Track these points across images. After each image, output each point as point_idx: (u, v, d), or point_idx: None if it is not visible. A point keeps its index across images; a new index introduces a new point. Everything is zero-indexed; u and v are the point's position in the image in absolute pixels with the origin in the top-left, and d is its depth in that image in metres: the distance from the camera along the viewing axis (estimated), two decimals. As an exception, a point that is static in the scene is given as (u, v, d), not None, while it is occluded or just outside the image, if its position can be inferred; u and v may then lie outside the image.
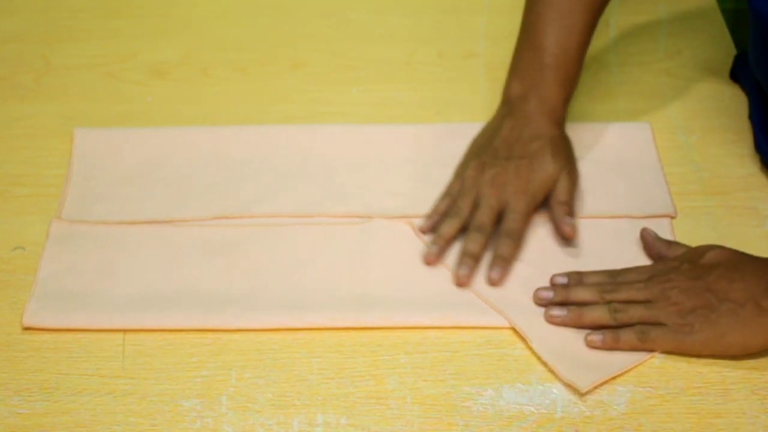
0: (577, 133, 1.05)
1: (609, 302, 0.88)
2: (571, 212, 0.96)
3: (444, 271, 0.94)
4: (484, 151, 0.99)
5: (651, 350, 0.86)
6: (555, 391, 0.85)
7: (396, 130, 1.09)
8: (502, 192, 0.95)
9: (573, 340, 0.88)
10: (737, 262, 0.88)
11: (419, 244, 0.96)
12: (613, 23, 1.22)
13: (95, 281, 0.94)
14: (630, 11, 1.22)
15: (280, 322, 0.90)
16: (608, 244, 0.96)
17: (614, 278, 0.90)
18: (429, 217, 0.98)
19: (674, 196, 1.00)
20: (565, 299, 0.90)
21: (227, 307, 0.91)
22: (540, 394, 0.84)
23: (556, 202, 0.97)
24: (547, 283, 0.92)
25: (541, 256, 0.95)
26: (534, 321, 0.89)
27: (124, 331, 0.90)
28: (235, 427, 0.83)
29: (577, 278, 0.91)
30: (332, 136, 1.08)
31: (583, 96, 1.12)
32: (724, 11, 1.23)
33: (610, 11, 1.23)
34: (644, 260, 0.94)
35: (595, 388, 0.85)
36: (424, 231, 0.97)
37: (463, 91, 1.15)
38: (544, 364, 0.86)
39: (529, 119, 1.00)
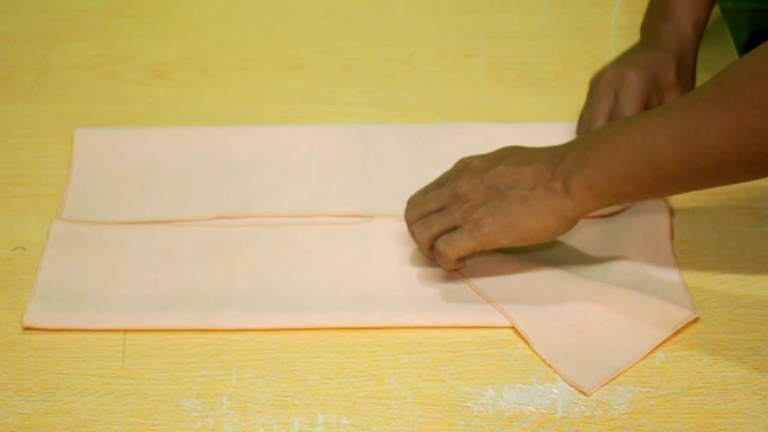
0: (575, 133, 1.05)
1: (415, 222, 0.92)
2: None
3: (444, 271, 0.94)
4: (615, 60, 1.04)
5: (459, 255, 0.89)
6: (555, 391, 0.85)
7: (396, 130, 1.09)
8: None
9: (575, 340, 0.88)
10: (527, 151, 0.89)
11: (419, 244, 0.96)
12: (613, 23, 1.22)
13: (96, 281, 0.94)
14: (630, 11, 1.23)
15: (280, 322, 0.90)
16: (606, 240, 0.96)
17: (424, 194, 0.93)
18: None
19: (674, 196, 1.00)
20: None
21: (227, 307, 0.91)
22: (540, 394, 0.85)
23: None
24: (547, 283, 0.92)
25: (544, 254, 0.95)
26: (535, 321, 0.89)
27: (125, 331, 0.90)
28: (236, 427, 0.83)
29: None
30: (332, 136, 1.08)
31: (583, 96, 1.12)
32: (724, 11, 1.23)
33: (609, 11, 1.24)
34: (643, 256, 0.94)
35: (600, 387, 0.85)
36: None
37: (463, 91, 1.15)
38: (547, 364, 0.86)
39: (656, 36, 1.05)
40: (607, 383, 0.85)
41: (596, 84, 1.03)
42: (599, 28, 1.21)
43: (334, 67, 1.19)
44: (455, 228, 0.89)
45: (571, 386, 0.85)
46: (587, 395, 0.84)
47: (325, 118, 1.12)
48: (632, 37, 1.19)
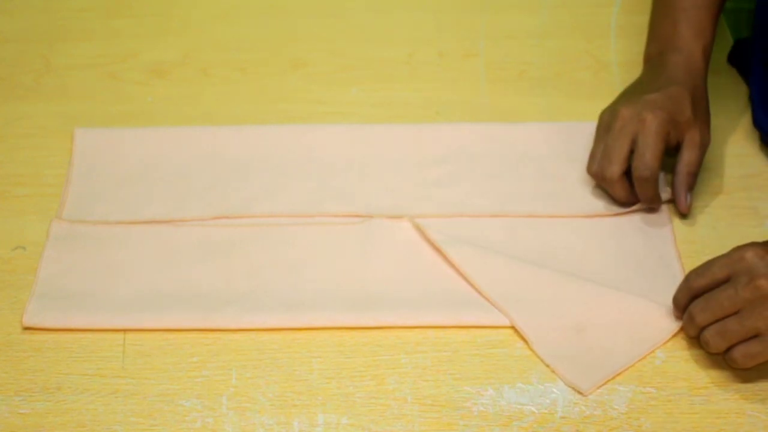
0: (577, 132, 1.05)
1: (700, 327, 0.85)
2: (693, 185, 0.97)
3: (444, 271, 0.94)
4: (626, 97, 1.00)
5: (753, 365, 0.84)
6: (555, 390, 0.85)
7: (396, 130, 1.09)
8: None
9: (574, 340, 0.88)
10: None
11: (419, 243, 0.96)
12: (613, 23, 1.22)
13: (96, 281, 0.94)
14: (630, 11, 1.22)
15: (280, 321, 0.90)
16: (610, 241, 0.96)
17: (702, 299, 0.85)
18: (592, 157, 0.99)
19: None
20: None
21: (227, 307, 0.91)
22: (540, 393, 0.85)
23: (685, 169, 0.97)
24: (548, 283, 0.91)
25: (544, 254, 0.95)
26: (535, 321, 0.89)
27: (125, 331, 0.90)
28: (236, 427, 0.83)
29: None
30: (332, 136, 1.08)
31: (583, 96, 1.12)
32: (724, 11, 1.23)
33: (609, 11, 1.24)
34: (645, 256, 0.94)
35: (597, 388, 0.85)
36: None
37: (463, 91, 1.15)
38: (545, 364, 0.86)
39: (666, 68, 1.00)
40: (605, 384, 0.85)
41: (610, 124, 0.98)
42: (599, 28, 1.21)
43: (334, 67, 1.19)
44: (756, 336, 0.83)
45: (569, 386, 0.85)
46: (584, 396, 0.84)
47: (325, 118, 1.12)
48: (632, 37, 1.19)
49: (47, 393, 0.85)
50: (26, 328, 0.90)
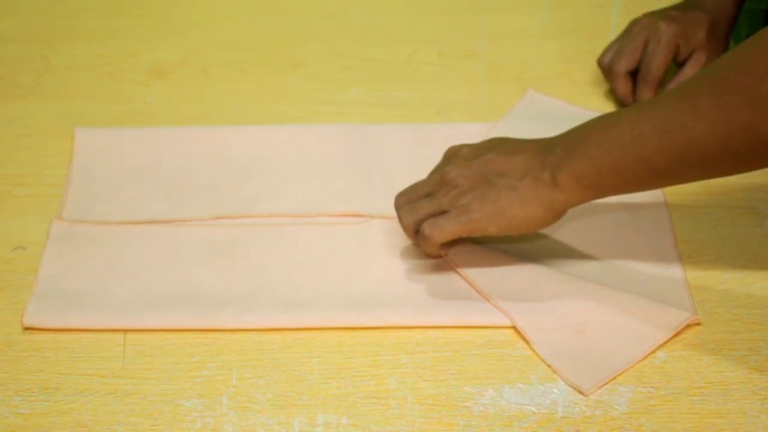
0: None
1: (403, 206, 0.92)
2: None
3: (444, 271, 0.94)
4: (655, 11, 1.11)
5: (445, 239, 0.89)
6: (556, 390, 0.85)
7: (396, 130, 1.09)
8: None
9: (575, 340, 0.88)
10: (517, 142, 0.90)
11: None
12: (613, 23, 1.22)
13: (96, 281, 0.94)
14: (630, 11, 1.22)
15: (280, 322, 0.90)
16: (608, 236, 0.96)
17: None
18: None
19: (675, 196, 1.00)
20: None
21: (227, 307, 0.91)
22: (541, 393, 0.85)
23: (678, 78, 1.08)
24: (548, 283, 0.91)
25: (544, 253, 0.95)
26: (536, 321, 0.89)
27: (125, 331, 0.90)
28: (236, 427, 0.83)
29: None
30: (332, 136, 1.08)
31: (583, 96, 1.12)
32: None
33: (609, 11, 1.24)
34: (645, 251, 0.94)
35: (598, 388, 0.85)
36: None
37: (463, 91, 1.15)
38: (546, 364, 0.86)
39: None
40: (606, 383, 0.85)
41: (630, 28, 1.10)
42: (599, 28, 1.21)
43: (334, 67, 1.19)
44: (442, 213, 0.90)
45: (570, 386, 0.85)
46: (586, 395, 0.84)
47: (325, 118, 1.12)
48: (632, 37, 1.19)
49: (47, 393, 0.85)
50: (26, 328, 0.90)
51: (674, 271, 0.93)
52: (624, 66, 1.08)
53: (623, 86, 1.09)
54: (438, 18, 1.25)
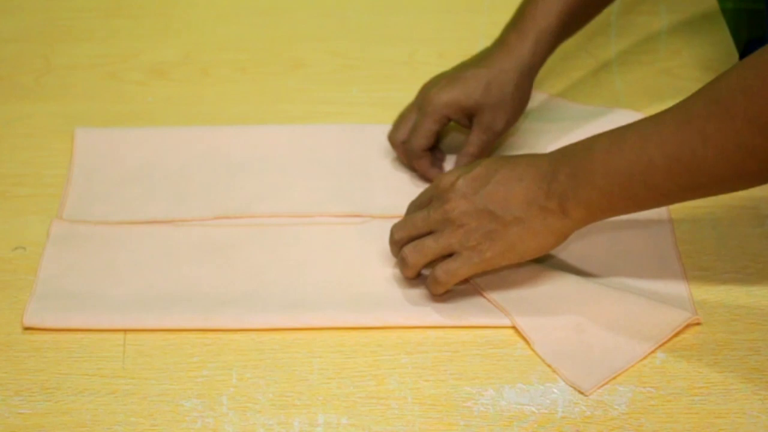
0: (575, 114, 1.05)
1: (402, 247, 0.90)
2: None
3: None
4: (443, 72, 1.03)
5: (456, 282, 0.88)
6: (556, 391, 0.85)
7: (396, 130, 1.09)
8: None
9: (575, 340, 0.88)
10: (512, 166, 0.87)
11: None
12: (613, 23, 1.22)
13: (96, 281, 0.94)
14: (630, 11, 1.22)
15: (280, 322, 0.90)
16: (610, 241, 0.96)
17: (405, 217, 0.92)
18: None
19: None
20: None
21: (227, 307, 0.91)
22: (541, 394, 0.85)
23: (465, 149, 1.01)
24: (548, 283, 0.92)
25: (545, 257, 0.95)
26: (536, 321, 0.89)
27: (125, 331, 0.90)
28: (236, 427, 0.83)
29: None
30: (332, 136, 1.08)
31: (583, 96, 1.12)
32: (724, 11, 1.23)
33: (610, 11, 1.24)
34: (645, 251, 0.94)
35: (598, 388, 0.85)
36: None
37: (463, 91, 1.15)
38: (546, 364, 0.86)
39: (485, 50, 1.02)
40: (606, 383, 0.85)
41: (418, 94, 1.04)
42: (599, 28, 1.21)
43: (334, 67, 1.19)
44: (451, 254, 0.88)
45: (570, 386, 0.85)
46: (586, 395, 0.84)
47: (325, 118, 1.12)
48: (632, 37, 1.19)
49: (47, 393, 0.85)
50: (26, 328, 0.90)
51: (674, 271, 0.93)
52: (398, 137, 1.03)
53: (401, 154, 1.03)
54: (438, 18, 1.25)
